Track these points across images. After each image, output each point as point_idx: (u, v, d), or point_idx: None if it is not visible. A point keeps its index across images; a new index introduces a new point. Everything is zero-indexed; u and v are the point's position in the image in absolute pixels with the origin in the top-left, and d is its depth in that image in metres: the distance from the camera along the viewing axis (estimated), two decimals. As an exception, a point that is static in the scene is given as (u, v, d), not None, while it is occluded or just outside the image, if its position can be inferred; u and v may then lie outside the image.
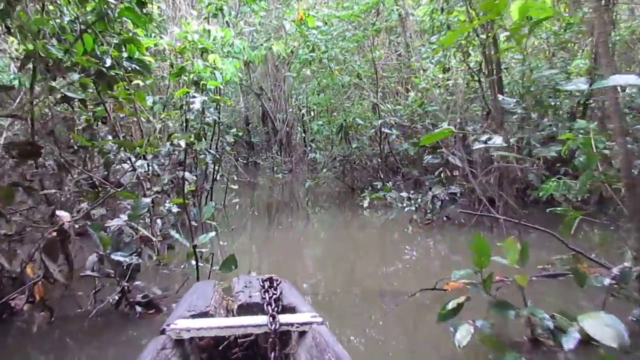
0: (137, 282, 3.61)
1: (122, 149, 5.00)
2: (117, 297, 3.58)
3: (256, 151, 19.95)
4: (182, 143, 5.47)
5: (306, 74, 9.44)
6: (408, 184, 8.98)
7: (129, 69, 4.74)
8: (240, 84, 18.62)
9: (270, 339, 1.76)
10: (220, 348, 1.94)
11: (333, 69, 8.38)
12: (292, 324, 1.84)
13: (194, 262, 3.62)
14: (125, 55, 4.73)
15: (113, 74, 4.64)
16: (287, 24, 8.43)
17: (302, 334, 1.85)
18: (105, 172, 4.83)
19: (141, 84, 5.62)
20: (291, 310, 2.02)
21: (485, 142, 2.79)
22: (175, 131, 6.44)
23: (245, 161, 20.36)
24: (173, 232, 3.71)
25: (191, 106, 5.88)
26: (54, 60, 3.65)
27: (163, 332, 1.80)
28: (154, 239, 4.58)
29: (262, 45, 9.76)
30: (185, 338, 1.80)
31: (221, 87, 6.48)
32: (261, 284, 2.18)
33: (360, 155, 9.21)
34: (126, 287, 3.50)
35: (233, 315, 2.11)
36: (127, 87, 5.23)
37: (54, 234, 3.40)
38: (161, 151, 6.08)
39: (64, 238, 3.59)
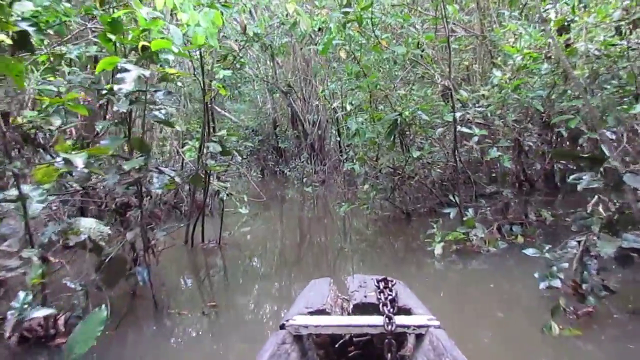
0: None
1: None
2: None
3: (285, 158, 17.07)
4: (78, 161, 2.61)
5: (338, 53, 6.48)
6: (495, 210, 5.84)
7: None
8: (266, 81, 15.86)
9: (387, 340, 1.69)
10: (336, 346, 1.90)
11: (379, 38, 5.37)
12: (408, 326, 1.75)
13: None
14: None
15: None
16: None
17: (418, 336, 1.78)
18: None
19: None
20: (406, 312, 1.92)
21: None
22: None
23: (273, 170, 17.57)
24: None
25: (118, 87, 3.01)
26: None
27: (282, 327, 1.78)
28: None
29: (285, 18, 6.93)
30: (303, 334, 1.78)
31: (176, 51, 3.54)
32: (376, 284, 2.07)
33: (417, 166, 6.15)
34: None
35: (348, 314, 2.06)
36: None
37: None
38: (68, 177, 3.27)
39: None
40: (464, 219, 5.24)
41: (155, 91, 3.23)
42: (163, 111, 3.35)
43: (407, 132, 5.49)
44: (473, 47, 6.58)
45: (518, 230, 5.47)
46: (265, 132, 17.89)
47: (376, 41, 5.41)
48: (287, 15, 8.71)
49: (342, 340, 1.88)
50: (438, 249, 4.66)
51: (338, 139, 14.32)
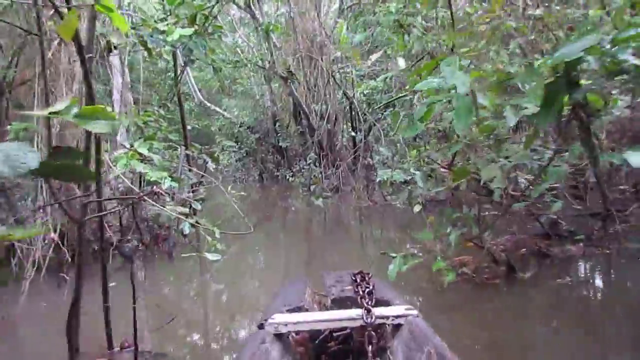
0: None
1: None
2: None
3: (288, 159, 13.76)
4: None
5: None
6: None
7: None
8: (262, 66, 12.56)
9: (367, 332, 1.63)
10: (316, 342, 1.84)
11: None
12: (387, 317, 1.72)
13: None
14: None
15: None
16: None
17: (397, 327, 1.72)
18: None
19: None
20: (385, 303, 1.85)
21: None
22: None
23: (273, 174, 14.28)
24: None
25: None
26: None
27: (261, 326, 1.74)
28: None
29: None
30: (283, 332, 1.74)
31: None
32: (352, 277, 2.06)
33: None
34: None
35: (327, 309, 1.99)
36: None
37: None
38: None
39: None
40: None
41: None
42: None
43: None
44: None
45: None
46: (263, 128, 14.57)
47: None
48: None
49: (321, 336, 1.82)
50: None
51: (352, 134, 11.05)
